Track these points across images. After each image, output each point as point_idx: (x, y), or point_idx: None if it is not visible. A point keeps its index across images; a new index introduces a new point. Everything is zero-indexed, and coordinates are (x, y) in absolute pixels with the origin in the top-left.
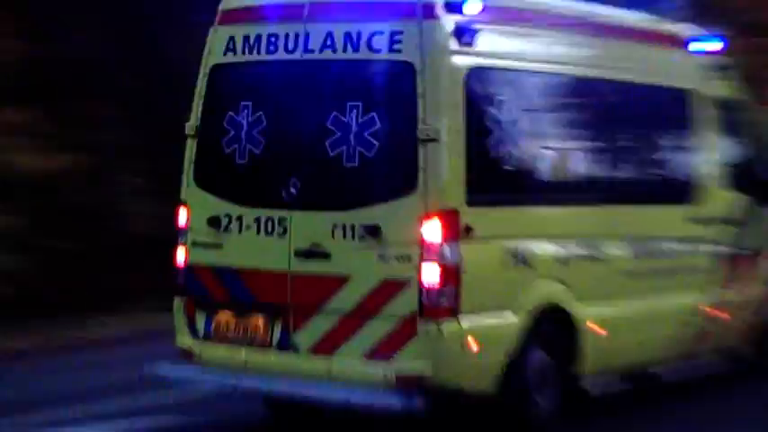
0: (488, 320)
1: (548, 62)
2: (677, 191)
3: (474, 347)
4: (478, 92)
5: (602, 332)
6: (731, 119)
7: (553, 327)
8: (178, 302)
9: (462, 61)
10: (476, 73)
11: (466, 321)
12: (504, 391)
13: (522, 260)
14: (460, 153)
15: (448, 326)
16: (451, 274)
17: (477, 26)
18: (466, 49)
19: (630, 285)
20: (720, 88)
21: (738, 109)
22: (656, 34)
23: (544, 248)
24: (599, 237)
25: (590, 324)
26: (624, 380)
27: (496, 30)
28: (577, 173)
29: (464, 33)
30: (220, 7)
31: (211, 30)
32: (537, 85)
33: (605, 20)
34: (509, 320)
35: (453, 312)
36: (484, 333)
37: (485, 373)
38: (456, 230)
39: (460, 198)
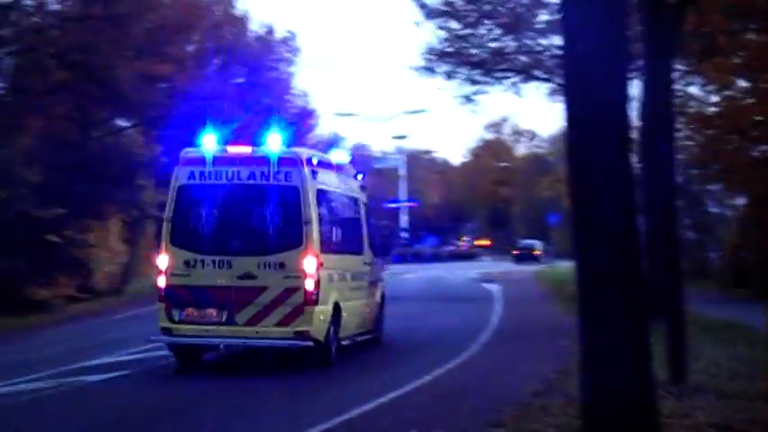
0: (323, 306)
1: (331, 186)
2: (358, 247)
3: (321, 317)
4: (320, 201)
5: (345, 314)
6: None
7: (336, 311)
8: (161, 305)
9: (315, 186)
10: (319, 192)
11: (319, 306)
12: (325, 339)
13: (330, 280)
14: (318, 229)
15: (315, 308)
16: (317, 284)
17: (318, 170)
18: (315, 180)
19: (352, 293)
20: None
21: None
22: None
23: (332, 276)
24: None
25: (343, 311)
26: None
27: (322, 172)
28: (340, 240)
29: (314, 173)
30: (181, 155)
31: (176, 167)
32: (326, 197)
33: (337, 162)
34: (328, 307)
35: (316, 302)
36: (323, 312)
37: (323, 330)
38: (319, 264)
39: (319, 249)
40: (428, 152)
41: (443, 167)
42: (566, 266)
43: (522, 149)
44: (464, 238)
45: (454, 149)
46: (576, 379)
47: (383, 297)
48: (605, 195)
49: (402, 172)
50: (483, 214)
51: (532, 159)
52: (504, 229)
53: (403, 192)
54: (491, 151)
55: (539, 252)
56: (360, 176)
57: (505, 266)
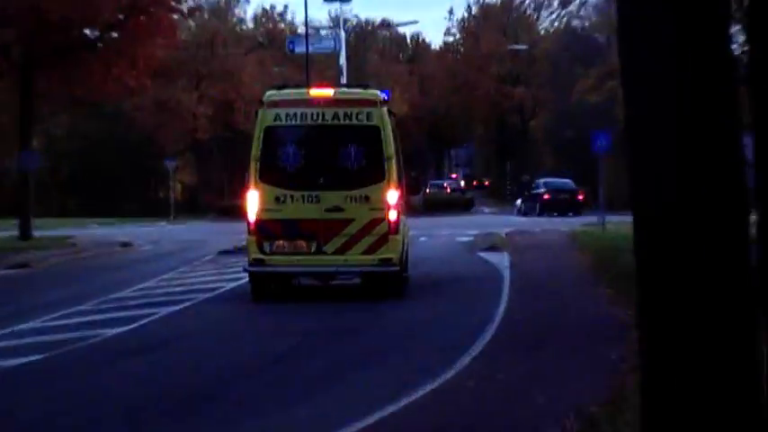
0: (401, 236)
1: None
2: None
3: (400, 246)
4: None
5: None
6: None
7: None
8: (250, 238)
9: (391, 124)
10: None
11: (398, 236)
12: (402, 266)
13: (403, 212)
14: (396, 165)
15: (397, 237)
16: (398, 215)
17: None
18: (392, 118)
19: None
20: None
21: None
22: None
23: (403, 207)
24: None
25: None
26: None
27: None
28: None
29: (390, 113)
30: (264, 99)
31: (260, 110)
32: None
33: None
34: (403, 237)
35: (397, 232)
36: (401, 241)
37: (400, 257)
38: (400, 196)
39: (398, 183)
40: (387, 25)
41: (415, 53)
42: (620, 225)
43: (547, 22)
44: (451, 176)
45: (433, 23)
46: (637, 414)
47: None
48: (684, 106)
49: (341, 59)
50: (481, 133)
51: (566, 38)
52: (516, 158)
53: None
54: (494, 26)
55: (582, 197)
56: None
57: (518, 222)
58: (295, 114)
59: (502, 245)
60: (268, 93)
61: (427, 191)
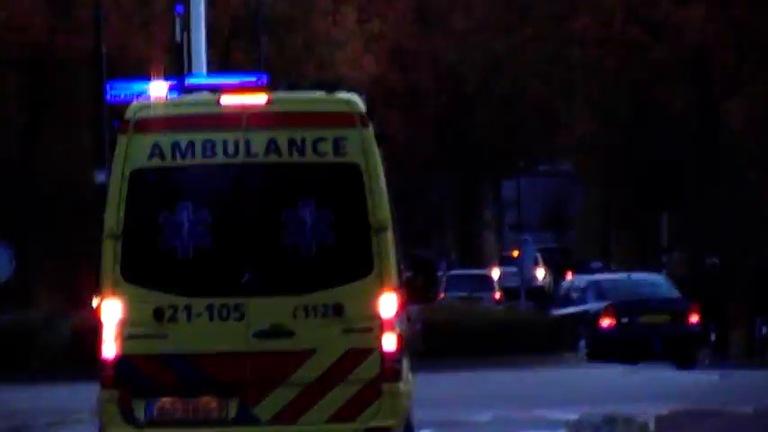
0: (407, 385)
1: None
2: None
3: (406, 402)
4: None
5: None
6: None
7: None
8: (107, 393)
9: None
10: None
11: (403, 384)
12: None
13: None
14: (395, 242)
15: (400, 386)
16: (400, 341)
17: None
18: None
19: None
20: None
21: None
22: None
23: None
24: None
25: None
26: None
27: None
28: None
29: (379, 139)
30: (129, 116)
31: (122, 136)
32: None
33: None
34: (410, 386)
35: (399, 375)
36: (408, 392)
37: (404, 423)
38: (401, 305)
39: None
40: None
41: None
42: None
43: None
44: (509, 255)
45: None
46: None
47: None
48: None
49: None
50: (587, 140)
51: None
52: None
53: None
54: None
55: None
56: None
57: (685, 384)
58: (192, 144)
59: None
60: (135, 104)
61: (441, 295)
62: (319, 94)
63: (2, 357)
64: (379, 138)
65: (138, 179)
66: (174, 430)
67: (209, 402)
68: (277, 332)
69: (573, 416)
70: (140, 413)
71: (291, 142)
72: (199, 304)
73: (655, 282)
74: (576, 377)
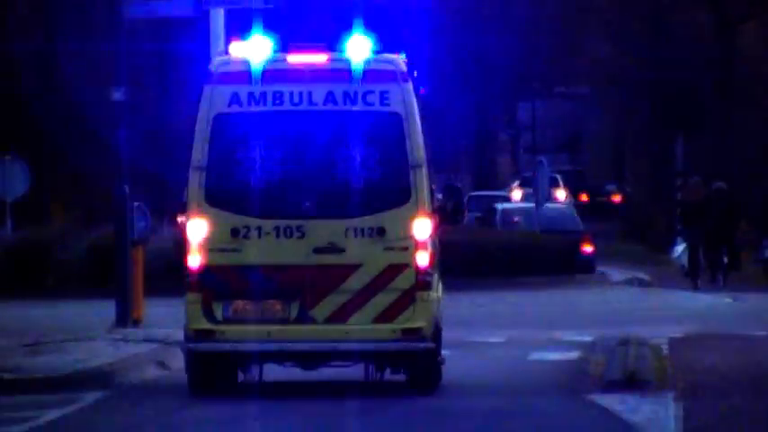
0: (437, 293)
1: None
2: None
3: (436, 308)
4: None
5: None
6: None
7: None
8: (192, 296)
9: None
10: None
11: (434, 292)
12: (436, 342)
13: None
14: (429, 177)
15: (431, 294)
16: (432, 258)
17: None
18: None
19: None
20: None
21: None
22: None
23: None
24: None
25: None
26: None
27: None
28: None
29: (418, 91)
30: (213, 67)
31: (207, 87)
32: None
33: None
34: (440, 293)
35: (430, 285)
36: (438, 299)
37: (433, 327)
38: (435, 227)
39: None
40: None
41: None
42: None
43: None
44: (520, 179)
45: None
46: None
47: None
48: None
49: None
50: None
51: None
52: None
53: None
54: None
55: None
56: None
57: (696, 307)
58: (264, 95)
59: (657, 375)
60: (218, 59)
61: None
62: (369, 55)
63: (17, 274)
64: (418, 89)
65: (220, 122)
66: (245, 327)
67: (275, 305)
68: (331, 248)
69: (587, 338)
70: (218, 313)
71: (345, 94)
72: (268, 224)
73: (562, 212)
74: (591, 299)
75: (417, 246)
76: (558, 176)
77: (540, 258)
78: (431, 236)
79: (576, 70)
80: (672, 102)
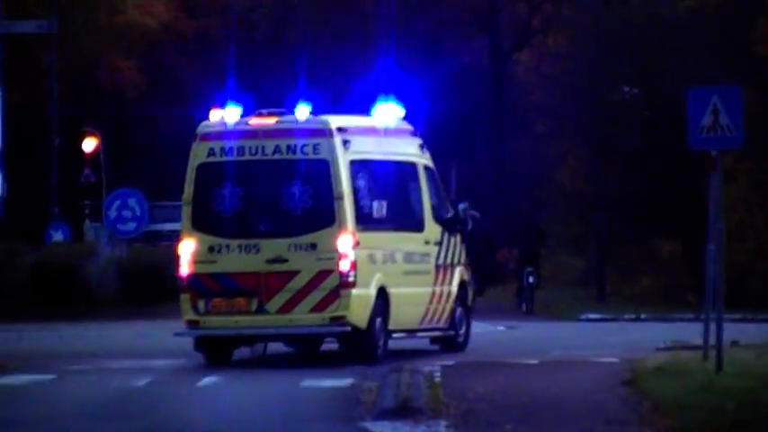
0: (363, 290)
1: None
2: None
3: (361, 302)
4: (356, 173)
5: (395, 302)
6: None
7: (382, 297)
8: (184, 296)
9: (348, 157)
10: (354, 163)
11: (358, 290)
12: (368, 328)
13: (373, 261)
14: (353, 204)
15: (352, 291)
16: (353, 265)
17: (352, 138)
18: (348, 150)
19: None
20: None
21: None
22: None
23: (374, 256)
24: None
25: (393, 298)
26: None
27: (359, 139)
28: (386, 215)
29: (346, 143)
30: (198, 130)
31: (194, 144)
32: (365, 168)
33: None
34: (370, 291)
35: (353, 285)
36: (364, 296)
37: (364, 318)
38: (355, 243)
39: (354, 227)
40: None
41: None
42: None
43: None
44: None
45: None
46: None
47: (466, 285)
48: None
49: None
50: None
51: None
52: None
53: None
54: None
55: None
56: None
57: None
58: (231, 148)
59: (430, 403)
60: (202, 123)
61: None
62: (308, 116)
63: None
64: (346, 142)
65: (201, 169)
66: (220, 317)
67: (240, 301)
68: (278, 259)
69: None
70: (201, 307)
71: (288, 146)
72: (234, 243)
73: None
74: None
75: (340, 256)
76: None
77: None
78: (353, 247)
79: None
80: (447, 128)
